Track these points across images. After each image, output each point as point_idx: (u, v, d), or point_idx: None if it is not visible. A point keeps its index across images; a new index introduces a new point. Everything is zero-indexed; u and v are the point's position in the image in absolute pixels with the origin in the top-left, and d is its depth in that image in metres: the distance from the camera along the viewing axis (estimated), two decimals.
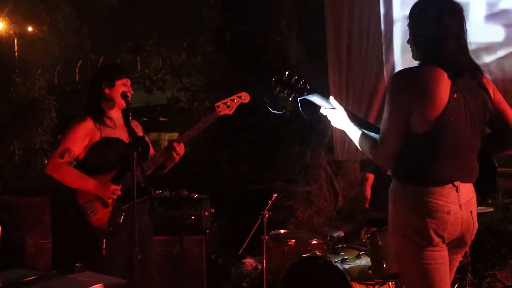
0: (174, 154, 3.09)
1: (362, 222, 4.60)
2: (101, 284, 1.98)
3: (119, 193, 2.92)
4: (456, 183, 2.11)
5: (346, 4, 5.81)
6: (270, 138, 7.55)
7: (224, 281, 4.85)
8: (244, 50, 8.02)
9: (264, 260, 4.08)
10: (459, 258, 2.34)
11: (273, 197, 4.20)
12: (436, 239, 2.10)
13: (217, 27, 8.69)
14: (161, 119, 14.67)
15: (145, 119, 12.67)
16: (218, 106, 3.19)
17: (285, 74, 2.42)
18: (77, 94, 13.06)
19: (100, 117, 3.04)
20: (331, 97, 2.43)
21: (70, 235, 3.31)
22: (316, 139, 6.91)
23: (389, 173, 2.27)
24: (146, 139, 3.30)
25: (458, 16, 2.15)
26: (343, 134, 2.53)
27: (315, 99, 2.43)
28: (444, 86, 2.08)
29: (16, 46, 12.02)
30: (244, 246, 4.72)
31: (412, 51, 2.26)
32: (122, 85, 3.07)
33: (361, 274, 3.53)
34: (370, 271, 3.45)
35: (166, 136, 17.15)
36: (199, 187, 5.09)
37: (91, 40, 17.82)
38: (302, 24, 7.66)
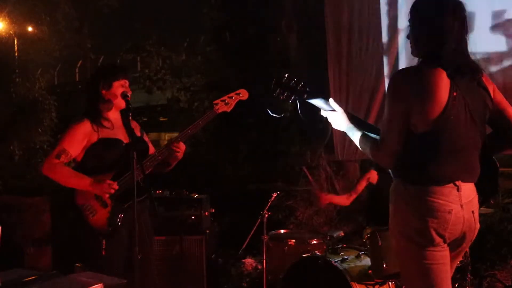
0: (175, 152, 3.09)
1: (362, 222, 4.58)
2: (101, 284, 1.98)
3: (116, 187, 2.90)
4: (457, 183, 2.11)
5: (346, 4, 5.81)
6: (270, 138, 7.55)
7: (224, 281, 4.85)
8: (244, 50, 8.01)
9: (264, 260, 4.08)
10: (459, 258, 2.33)
11: (273, 197, 4.20)
12: (437, 239, 2.10)
13: (217, 27, 8.69)
14: (161, 119, 14.68)
15: (145, 119, 12.68)
16: (216, 104, 3.19)
17: (285, 76, 2.42)
18: (77, 94, 13.06)
19: (97, 119, 3.04)
20: (331, 99, 2.42)
21: (70, 235, 3.31)
22: (316, 139, 6.90)
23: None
24: (146, 138, 3.30)
25: (458, 15, 2.14)
26: (343, 134, 2.52)
27: (315, 101, 2.42)
28: (443, 85, 2.08)
29: (16, 46, 12.04)
30: (244, 246, 4.70)
31: (411, 47, 2.26)
32: (120, 86, 3.06)
33: (361, 274, 3.53)
34: (370, 271, 3.46)
35: (166, 136, 17.12)
36: (199, 187, 5.08)
37: (91, 40, 17.85)
38: (302, 24, 7.66)
